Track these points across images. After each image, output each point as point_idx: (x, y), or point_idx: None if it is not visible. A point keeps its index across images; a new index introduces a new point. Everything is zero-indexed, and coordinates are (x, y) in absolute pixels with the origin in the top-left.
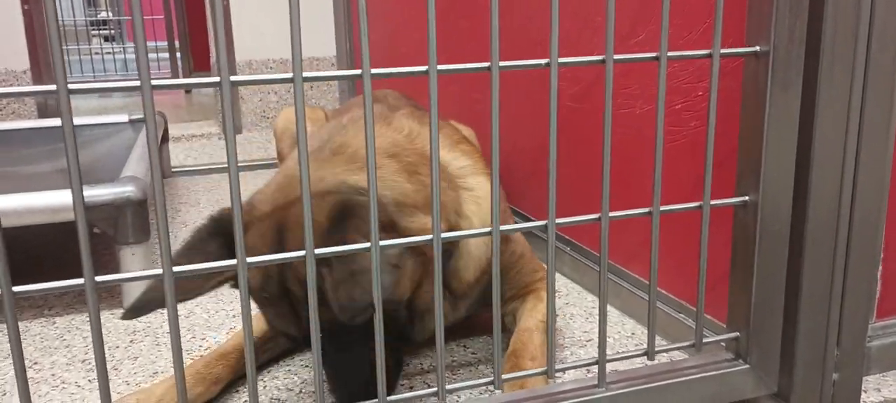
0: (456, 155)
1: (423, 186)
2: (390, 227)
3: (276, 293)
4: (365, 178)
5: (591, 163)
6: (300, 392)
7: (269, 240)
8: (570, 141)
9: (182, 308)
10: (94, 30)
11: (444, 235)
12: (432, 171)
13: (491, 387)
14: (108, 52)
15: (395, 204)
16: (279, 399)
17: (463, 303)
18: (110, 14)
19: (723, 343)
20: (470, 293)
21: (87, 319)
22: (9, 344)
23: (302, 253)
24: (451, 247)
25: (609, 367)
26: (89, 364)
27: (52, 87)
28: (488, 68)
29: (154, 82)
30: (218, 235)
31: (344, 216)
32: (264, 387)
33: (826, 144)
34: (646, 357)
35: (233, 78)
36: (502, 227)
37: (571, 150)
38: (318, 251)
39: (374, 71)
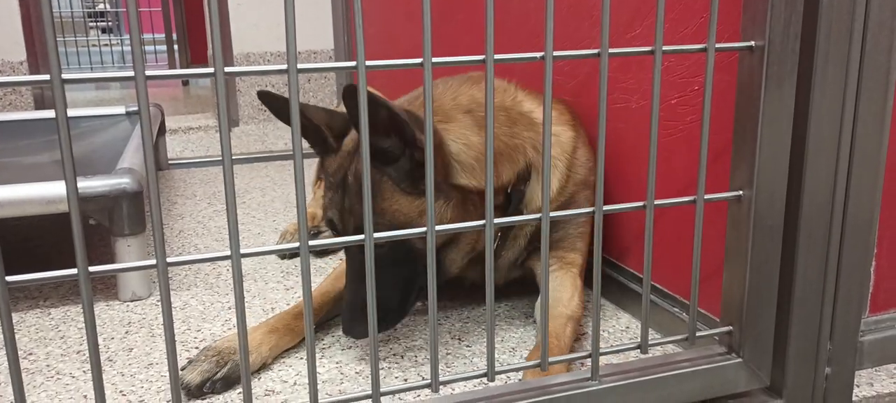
0: (539, 105)
1: (494, 137)
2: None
3: (339, 181)
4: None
5: None
6: (295, 384)
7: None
8: None
9: (177, 299)
10: (91, 22)
11: (438, 228)
12: (426, 174)
13: (485, 379)
14: (106, 44)
15: (454, 157)
16: (274, 391)
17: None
18: (107, 6)
19: (716, 337)
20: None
21: (82, 310)
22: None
23: (361, 237)
24: (523, 186)
25: (602, 360)
26: (84, 355)
27: (46, 77)
28: (483, 61)
29: (148, 73)
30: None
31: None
32: (259, 380)
33: (820, 139)
34: (639, 350)
35: (227, 69)
36: (497, 220)
37: None
38: (377, 235)
39: (368, 63)
